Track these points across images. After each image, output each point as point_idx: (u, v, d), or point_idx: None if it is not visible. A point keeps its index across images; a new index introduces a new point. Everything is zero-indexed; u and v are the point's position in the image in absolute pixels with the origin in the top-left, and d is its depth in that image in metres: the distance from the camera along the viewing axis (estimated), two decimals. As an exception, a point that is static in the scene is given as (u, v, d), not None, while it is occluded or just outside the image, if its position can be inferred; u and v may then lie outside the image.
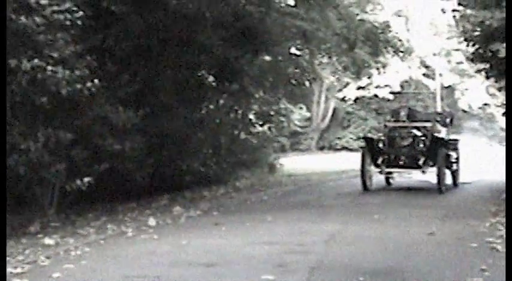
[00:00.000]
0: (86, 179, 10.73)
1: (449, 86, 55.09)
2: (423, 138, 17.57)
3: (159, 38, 14.69)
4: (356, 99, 51.12)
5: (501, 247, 9.13)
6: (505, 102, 19.23)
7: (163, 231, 10.90)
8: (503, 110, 18.38)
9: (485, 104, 53.30)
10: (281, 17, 19.84)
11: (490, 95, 48.42)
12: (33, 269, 7.95)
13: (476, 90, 51.99)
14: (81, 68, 10.26)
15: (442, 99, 53.02)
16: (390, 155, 17.59)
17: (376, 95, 50.27)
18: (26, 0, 8.84)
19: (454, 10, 14.91)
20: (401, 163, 17.56)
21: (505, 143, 16.46)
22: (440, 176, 16.68)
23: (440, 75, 53.33)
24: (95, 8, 12.03)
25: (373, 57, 32.06)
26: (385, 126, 18.79)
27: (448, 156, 17.79)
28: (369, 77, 38.48)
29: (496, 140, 50.05)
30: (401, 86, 51.44)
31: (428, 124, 18.14)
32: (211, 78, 19.55)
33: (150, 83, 15.13)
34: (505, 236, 8.09)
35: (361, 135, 35.78)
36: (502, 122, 38.09)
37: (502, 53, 12.61)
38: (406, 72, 51.27)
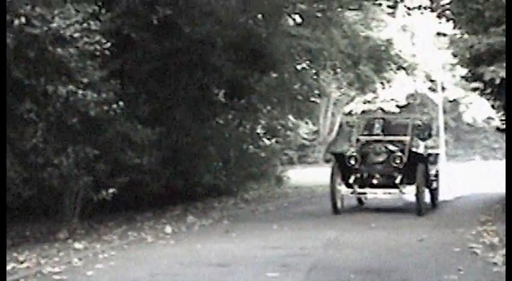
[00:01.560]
0: (111, 190, 11.95)
1: (454, 99, 56.17)
2: (400, 153, 15.78)
3: (173, 61, 15.94)
4: (362, 113, 52.19)
5: (480, 252, 10.28)
6: (502, 117, 20.31)
7: (179, 237, 12.10)
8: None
9: (490, 118, 54.23)
10: (287, 38, 21.08)
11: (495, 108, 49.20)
12: (69, 268, 9.12)
13: (481, 104, 52.92)
14: (107, 91, 11.53)
15: (444, 112, 53.96)
16: (363, 173, 15.84)
17: (382, 109, 51.27)
18: (61, 34, 10.10)
19: (444, 35, 16.08)
20: (375, 181, 15.82)
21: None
22: (419, 195, 15.24)
23: (444, 88, 54.33)
24: (115, 35, 13.26)
25: (376, 73, 33.26)
26: (358, 140, 16.84)
27: (428, 173, 16.18)
28: (373, 92, 39.59)
29: (499, 153, 51.05)
30: (407, 99, 52.56)
31: (405, 138, 16.41)
32: (221, 96, 20.77)
33: (165, 102, 16.36)
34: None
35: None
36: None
37: (488, 76, 13.80)
38: (411, 86, 52.33)
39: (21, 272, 8.75)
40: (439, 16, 16.48)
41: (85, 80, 11.04)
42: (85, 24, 10.67)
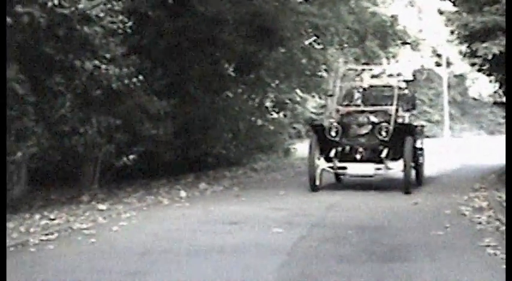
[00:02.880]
0: (131, 157, 13.02)
1: (461, 74, 56.84)
2: (385, 125, 14.51)
3: (187, 38, 16.93)
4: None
5: (469, 213, 11.29)
6: (499, 91, 21.22)
7: (193, 201, 13.16)
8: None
9: (495, 92, 54.40)
10: (294, 15, 21.98)
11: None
12: (96, 225, 10.15)
13: (486, 79, 53.15)
14: (127, 66, 12.56)
15: (449, 86, 54.52)
16: (345, 146, 14.62)
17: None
18: (88, 14, 11.11)
19: (441, 13, 16.93)
20: (358, 156, 14.53)
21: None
22: (406, 171, 14.10)
23: (450, 63, 54.93)
24: (133, 13, 14.23)
25: (382, 49, 34.14)
26: (337, 111, 15.63)
27: (415, 147, 15.06)
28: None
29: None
30: (414, 75, 53.22)
31: (390, 108, 15.00)
32: (231, 70, 21.74)
33: (179, 76, 17.36)
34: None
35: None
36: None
37: (481, 52, 14.75)
38: (418, 61, 53.09)
39: (54, 228, 9.78)
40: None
41: (108, 56, 12.07)
42: (109, 5, 11.68)
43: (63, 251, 8.23)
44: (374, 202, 13.00)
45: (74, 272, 7.07)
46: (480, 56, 16.83)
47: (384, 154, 14.36)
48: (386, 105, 15.31)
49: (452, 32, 16.65)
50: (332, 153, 14.54)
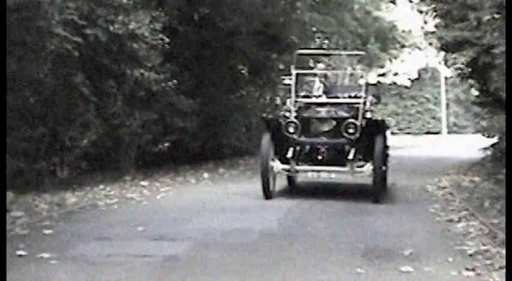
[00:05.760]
0: (166, 144, 16.30)
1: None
2: (352, 120, 12.30)
3: (209, 47, 20.22)
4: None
5: (431, 190, 14.48)
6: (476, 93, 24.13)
7: (215, 181, 16.36)
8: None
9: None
10: (301, 24, 25.15)
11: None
12: (142, 195, 13.32)
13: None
14: (164, 73, 15.82)
15: (453, 85, 57.09)
16: (304, 145, 12.51)
17: (394, 82, 54.78)
18: (136, 33, 14.36)
19: (422, 27, 20.04)
20: (320, 157, 12.46)
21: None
22: (376, 175, 12.13)
23: (454, 64, 57.49)
24: (167, 28, 17.45)
25: (383, 51, 37.16)
26: (296, 102, 13.10)
27: (386, 146, 13.34)
28: (381, 67, 43.38)
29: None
30: (419, 74, 56.15)
31: (358, 101, 12.85)
32: (245, 73, 24.95)
33: (202, 79, 20.59)
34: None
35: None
36: None
37: (450, 62, 17.89)
38: (423, 61, 55.86)
39: (112, 196, 13.01)
40: (420, 11, 20.45)
41: (149, 65, 15.32)
42: (151, 25, 14.94)
43: (125, 210, 11.48)
44: (357, 185, 15.40)
45: (138, 219, 10.29)
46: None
47: (350, 155, 12.32)
48: (351, 97, 13.36)
49: (430, 44, 19.74)
50: (289, 153, 12.42)
